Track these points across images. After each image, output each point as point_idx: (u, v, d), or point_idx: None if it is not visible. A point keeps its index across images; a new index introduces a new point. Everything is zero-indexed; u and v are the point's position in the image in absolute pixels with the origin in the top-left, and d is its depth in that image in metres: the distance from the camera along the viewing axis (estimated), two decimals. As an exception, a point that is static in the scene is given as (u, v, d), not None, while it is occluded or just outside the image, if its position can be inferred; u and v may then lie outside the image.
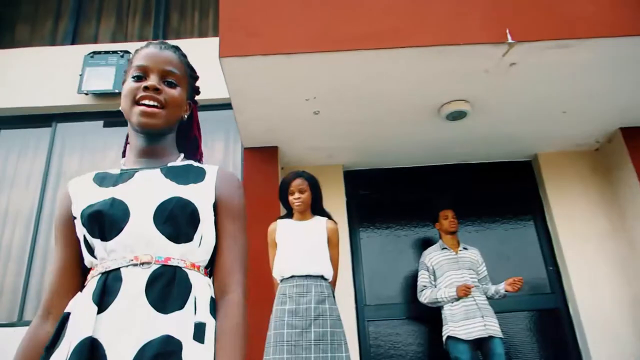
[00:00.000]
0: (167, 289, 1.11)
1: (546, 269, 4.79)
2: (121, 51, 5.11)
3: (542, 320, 4.62)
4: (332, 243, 3.22)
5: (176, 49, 1.40)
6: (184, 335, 1.08)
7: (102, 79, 4.95)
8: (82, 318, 1.07)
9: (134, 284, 1.10)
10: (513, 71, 3.71)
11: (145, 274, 1.11)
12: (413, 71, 3.68)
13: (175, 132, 1.40)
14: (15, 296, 4.31)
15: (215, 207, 1.27)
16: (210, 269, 1.27)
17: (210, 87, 4.74)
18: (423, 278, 4.11)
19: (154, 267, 1.13)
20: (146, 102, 1.27)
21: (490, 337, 3.74)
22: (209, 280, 1.23)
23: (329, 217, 3.33)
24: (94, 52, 5.14)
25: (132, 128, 1.32)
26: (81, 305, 1.10)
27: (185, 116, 1.40)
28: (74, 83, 5.04)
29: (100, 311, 1.07)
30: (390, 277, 4.76)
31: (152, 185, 1.23)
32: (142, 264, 1.12)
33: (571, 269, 4.59)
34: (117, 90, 4.86)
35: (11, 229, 4.66)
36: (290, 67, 3.55)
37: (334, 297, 3.11)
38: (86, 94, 4.95)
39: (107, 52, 5.13)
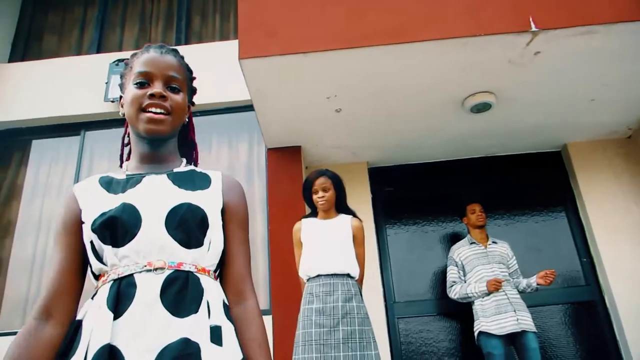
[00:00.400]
0: (182, 293, 1.12)
1: (580, 260, 4.67)
2: (145, 57, 5.16)
3: (577, 313, 4.52)
4: (358, 241, 3.20)
5: (176, 52, 1.40)
6: (201, 338, 1.09)
7: (127, 85, 5.02)
8: (99, 325, 1.07)
9: (148, 289, 1.11)
10: (538, 60, 3.63)
11: (159, 279, 1.12)
12: (434, 65, 3.63)
13: (177, 136, 1.41)
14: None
15: (223, 213, 1.29)
16: (219, 273, 1.29)
17: (232, 89, 4.82)
18: (452, 274, 4.06)
19: (168, 272, 1.14)
20: (153, 109, 1.27)
21: (524, 332, 3.68)
22: (219, 285, 1.25)
23: (354, 215, 3.32)
24: (119, 60, 5.22)
25: (136, 134, 1.33)
26: (95, 312, 1.10)
27: (186, 119, 1.42)
28: (101, 91, 5.13)
29: (115, 317, 1.07)
30: (418, 273, 4.72)
31: (161, 191, 1.25)
32: (156, 269, 1.13)
33: (606, 260, 4.48)
34: (141, 97, 4.92)
35: (45, 236, 4.77)
36: (310, 65, 3.54)
37: (361, 295, 3.10)
38: (112, 101, 5.03)
39: (131, 59, 5.20)
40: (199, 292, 1.15)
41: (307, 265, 3.14)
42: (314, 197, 3.28)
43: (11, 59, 5.68)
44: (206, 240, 1.21)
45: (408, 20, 3.45)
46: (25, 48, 5.84)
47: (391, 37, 3.40)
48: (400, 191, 5.09)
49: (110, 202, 1.21)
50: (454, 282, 4.02)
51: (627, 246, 4.52)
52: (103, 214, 1.18)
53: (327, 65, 3.56)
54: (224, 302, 1.21)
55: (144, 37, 5.84)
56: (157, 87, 1.29)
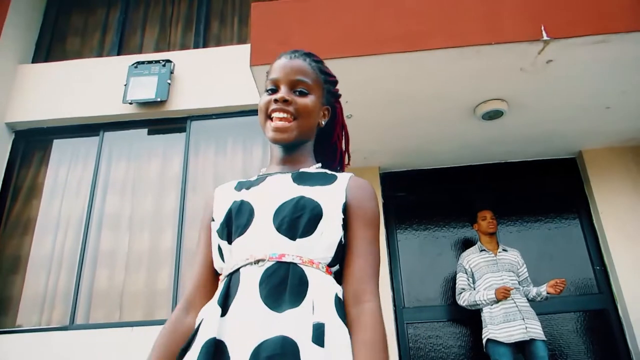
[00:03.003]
0: (280, 286, 1.09)
1: (593, 268, 4.64)
2: (163, 60, 5.24)
3: (590, 322, 4.50)
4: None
5: (307, 55, 1.40)
6: (301, 336, 1.03)
7: (145, 88, 5.09)
8: (209, 321, 1.10)
9: (249, 282, 1.11)
10: (550, 68, 3.62)
11: (259, 271, 1.11)
12: (446, 72, 3.64)
13: (313, 139, 1.42)
14: (67, 301, 4.50)
15: (347, 211, 1.23)
16: (339, 271, 1.22)
17: (249, 92, 4.85)
18: (461, 281, 4.07)
19: (268, 264, 1.12)
20: (276, 114, 1.30)
21: (533, 340, 3.68)
22: (333, 280, 1.17)
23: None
24: (138, 62, 5.30)
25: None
26: (209, 307, 1.14)
27: (323, 122, 1.42)
28: (120, 93, 5.21)
29: (224, 312, 1.09)
30: (428, 279, 4.73)
31: (279, 187, 1.25)
32: (257, 261, 1.13)
33: (619, 268, 4.45)
34: (159, 99, 5.01)
35: (63, 235, 4.88)
36: (321, 73, 3.56)
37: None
38: (130, 103, 5.12)
39: (150, 62, 5.27)
40: (302, 285, 1.10)
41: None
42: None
43: (34, 60, 5.80)
44: (317, 231, 1.16)
45: (421, 28, 3.46)
46: (48, 49, 5.96)
47: (404, 45, 3.42)
48: (411, 196, 5.10)
49: (234, 200, 1.25)
50: (463, 289, 4.03)
51: (642, 254, 4.48)
52: (227, 211, 1.23)
53: (339, 72, 3.49)
54: (337, 299, 1.13)
55: (163, 39, 5.91)
56: (281, 92, 1.31)
